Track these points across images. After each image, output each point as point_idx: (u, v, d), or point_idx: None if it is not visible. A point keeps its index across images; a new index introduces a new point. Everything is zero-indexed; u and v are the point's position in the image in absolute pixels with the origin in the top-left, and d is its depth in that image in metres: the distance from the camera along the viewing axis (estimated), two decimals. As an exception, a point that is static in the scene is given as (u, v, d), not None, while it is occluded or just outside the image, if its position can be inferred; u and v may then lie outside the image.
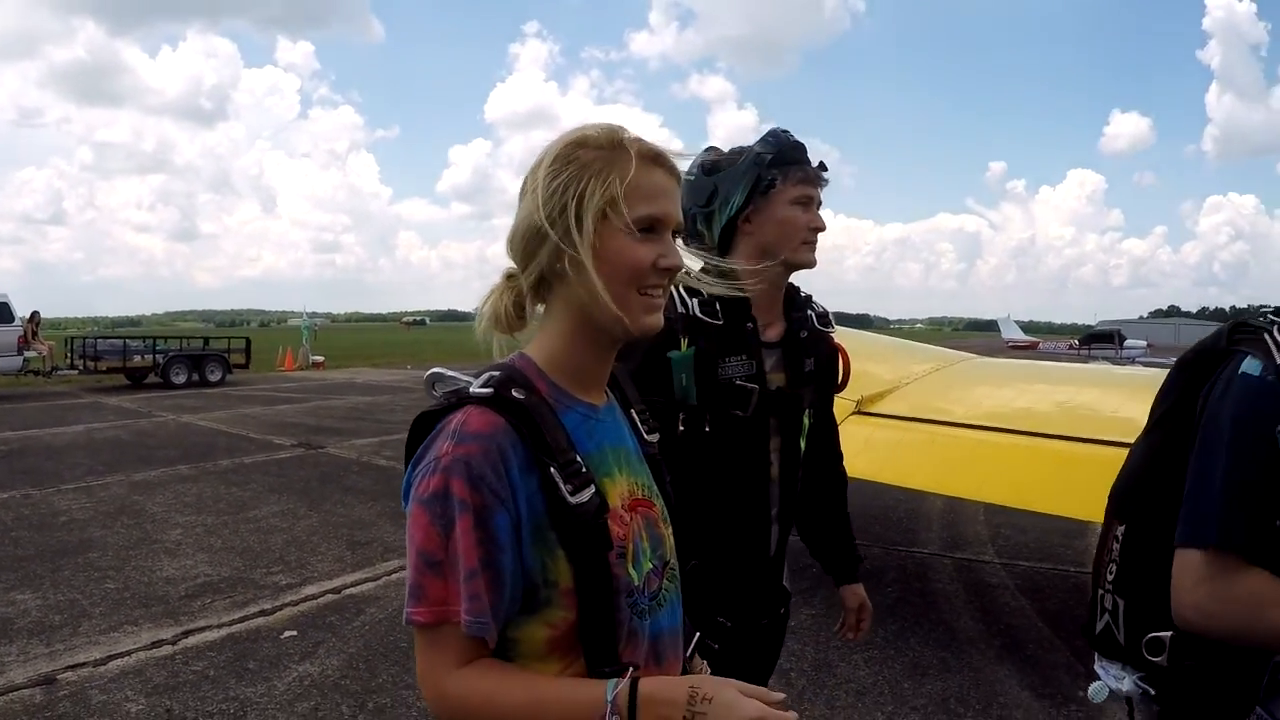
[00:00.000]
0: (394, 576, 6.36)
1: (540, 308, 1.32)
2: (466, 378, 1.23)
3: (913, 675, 4.76)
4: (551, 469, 1.15)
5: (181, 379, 22.03)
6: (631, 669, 1.19)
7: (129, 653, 4.90)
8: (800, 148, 2.16)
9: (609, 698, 1.11)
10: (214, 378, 22.83)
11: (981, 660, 4.96)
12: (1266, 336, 1.44)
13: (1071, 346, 51.65)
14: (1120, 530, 1.62)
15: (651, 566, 1.28)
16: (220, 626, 5.32)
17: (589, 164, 1.21)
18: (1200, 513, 1.41)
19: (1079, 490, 4.31)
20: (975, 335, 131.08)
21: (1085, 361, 27.41)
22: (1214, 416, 1.43)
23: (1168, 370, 1.67)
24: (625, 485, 1.29)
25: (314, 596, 5.92)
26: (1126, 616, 1.60)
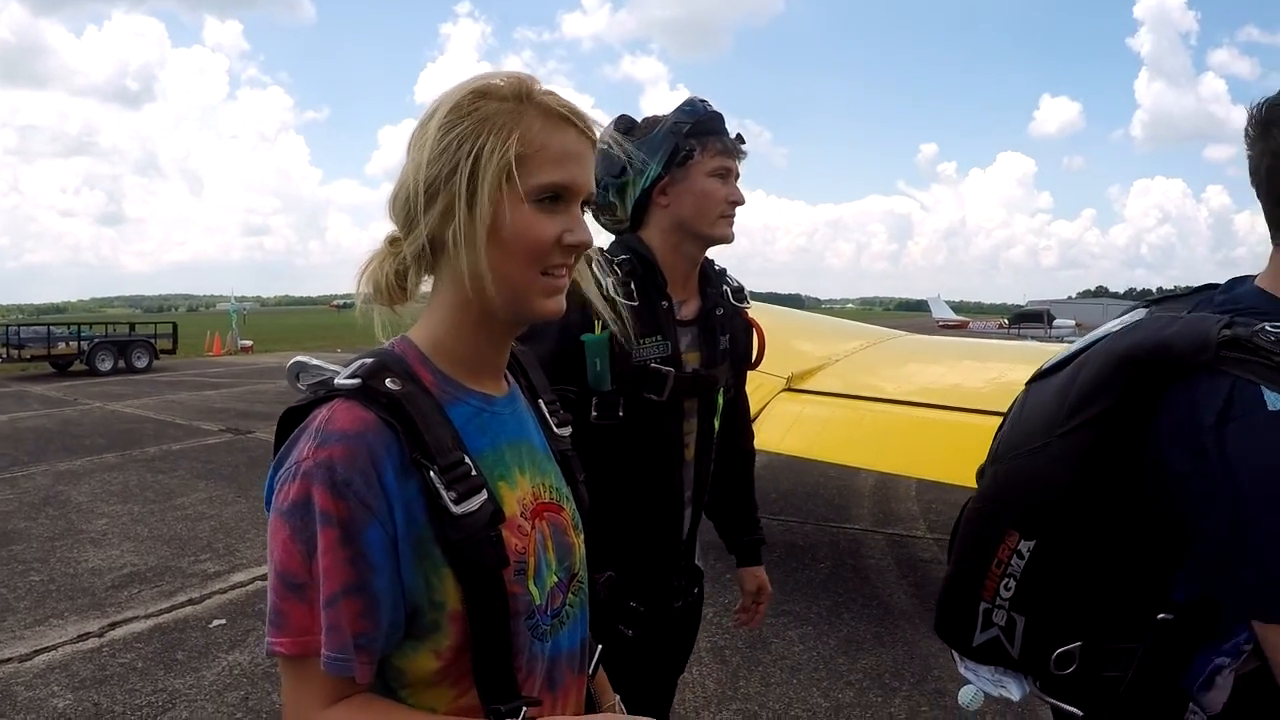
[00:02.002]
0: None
1: (426, 281, 1.15)
2: (334, 367, 1.06)
3: (847, 650, 4.81)
4: (430, 473, 0.99)
5: (107, 366, 21.57)
6: (525, 709, 1.06)
7: (55, 647, 4.79)
8: (718, 118, 2.10)
9: None
10: (140, 364, 22.35)
11: (915, 635, 5.02)
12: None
13: (1001, 326, 52.57)
14: (1027, 546, 1.42)
15: (556, 581, 1.15)
16: (148, 617, 5.21)
17: (489, 117, 1.03)
18: None
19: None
20: (906, 315, 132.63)
21: (1015, 340, 27.89)
22: (1270, 468, 1.20)
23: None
24: (527, 488, 1.14)
25: (243, 584, 5.82)
26: (1028, 633, 1.45)
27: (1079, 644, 1.42)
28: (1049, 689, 1.48)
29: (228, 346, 30.77)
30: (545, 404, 1.30)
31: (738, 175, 2.13)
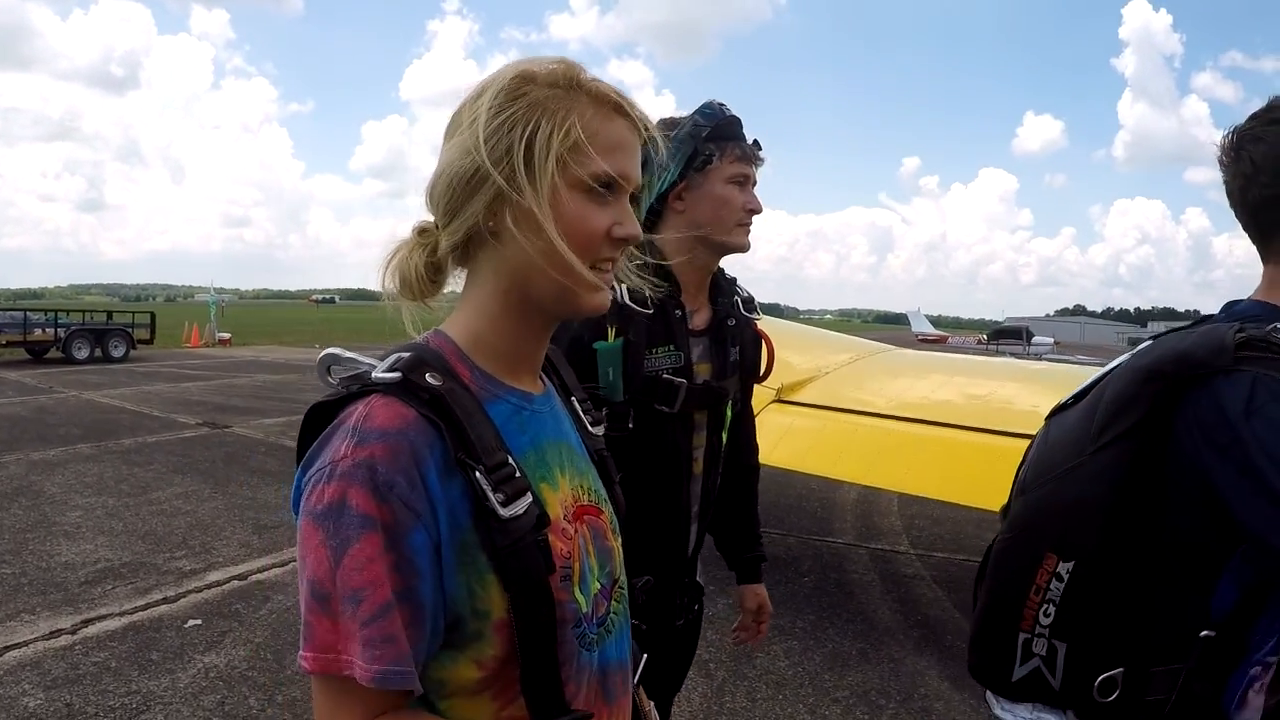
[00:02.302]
0: (304, 562, 6.17)
1: (457, 274, 1.10)
2: (369, 360, 1.01)
3: (833, 667, 4.76)
4: (476, 473, 0.93)
5: (84, 354, 21.38)
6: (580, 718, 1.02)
7: (26, 643, 4.67)
8: (737, 122, 2.05)
9: None
10: (117, 353, 22.15)
11: (901, 651, 4.99)
12: None
13: (980, 341, 52.86)
14: (1066, 568, 1.43)
15: (600, 587, 1.09)
16: (121, 615, 5.10)
17: (541, 102, 0.99)
18: None
19: (1008, 484, 4.34)
20: (885, 328, 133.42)
21: (993, 357, 28.09)
22: None
23: (1091, 367, 1.56)
24: (569, 490, 1.08)
25: (219, 583, 5.72)
26: (1069, 661, 1.45)
27: (1120, 669, 1.41)
28: (1086, 718, 1.47)
29: (205, 338, 30.54)
30: (578, 402, 1.25)
31: (755, 182, 2.09)
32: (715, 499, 2.19)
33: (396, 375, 0.96)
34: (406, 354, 0.99)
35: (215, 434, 11.59)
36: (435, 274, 1.07)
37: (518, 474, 0.98)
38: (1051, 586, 1.44)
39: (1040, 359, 33.12)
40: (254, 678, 4.34)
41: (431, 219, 1.07)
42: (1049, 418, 1.66)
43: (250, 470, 9.24)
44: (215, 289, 37.70)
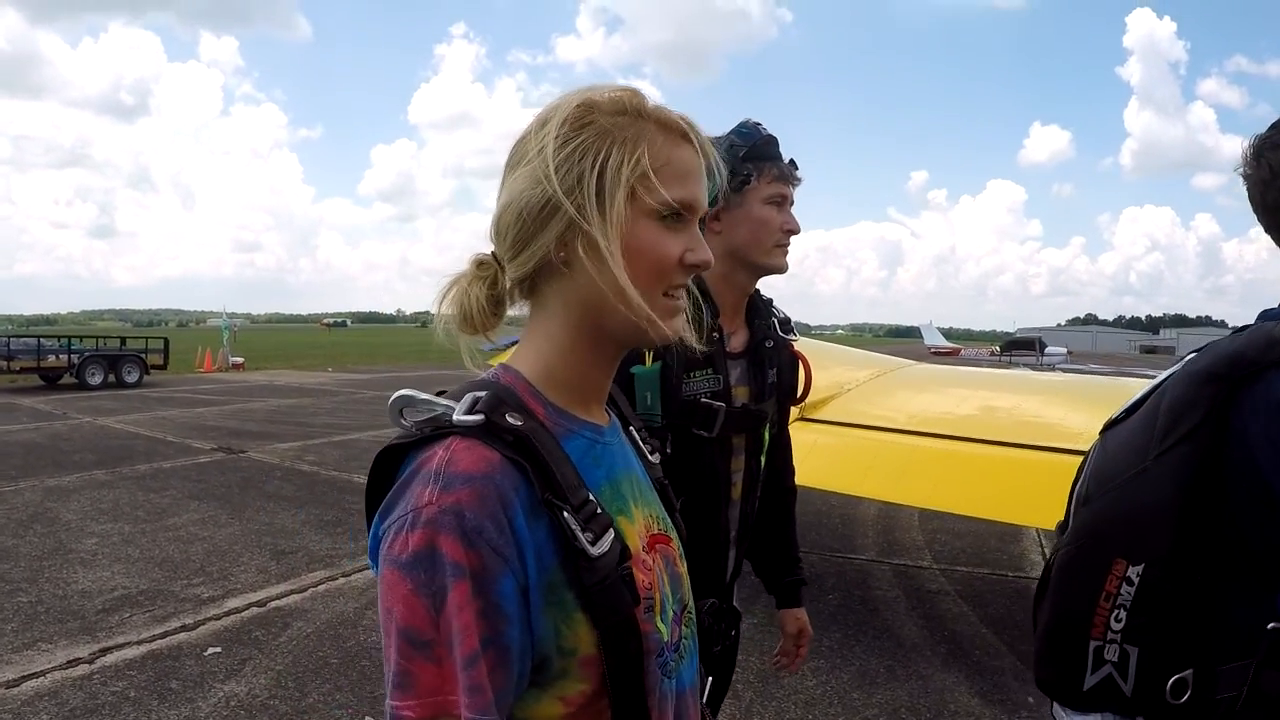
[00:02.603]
0: (321, 589, 6.15)
1: (517, 306, 1.09)
2: (445, 402, 0.97)
3: (861, 685, 4.69)
4: (565, 514, 0.92)
5: (97, 380, 21.40)
6: None
7: (43, 673, 4.62)
8: (774, 142, 2.04)
9: None
10: (131, 379, 22.18)
11: (929, 668, 4.92)
12: None
13: (993, 353, 52.68)
14: (1135, 571, 1.46)
15: (673, 614, 1.08)
16: (140, 643, 5.05)
17: (609, 130, 0.99)
18: None
19: (1033, 498, 4.29)
20: (897, 341, 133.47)
21: (1007, 368, 27.96)
22: None
23: (1131, 379, 1.57)
24: (642, 521, 1.08)
25: (238, 610, 5.67)
26: (1141, 665, 1.46)
27: (1190, 670, 1.43)
28: None
29: (219, 363, 30.60)
30: (636, 432, 1.23)
31: (793, 202, 2.05)
32: (754, 523, 2.15)
33: (480, 418, 0.94)
34: (482, 393, 0.97)
35: (231, 459, 11.56)
36: (495, 306, 1.06)
37: (599, 510, 0.97)
38: (1122, 591, 1.47)
39: (1054, 369, 33.01)
40: (276, 706, 4.29)
41: (489, 251, 1.07)
42: (1103, 431, 1.69)
43: (266, 495, 9.20)
44: (228, 313, 37.83)
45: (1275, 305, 1.53)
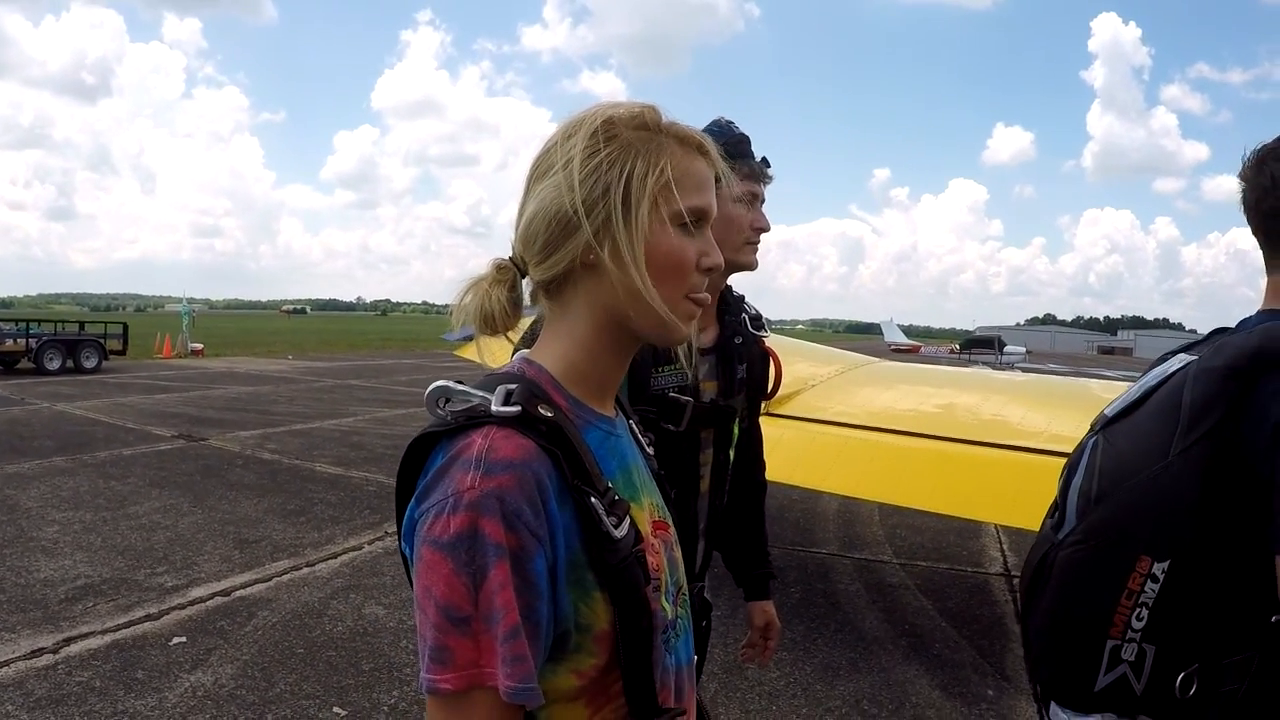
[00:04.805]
0: (285, 578, 6.13)
1: (535, 305, 1.17)
2: (481, 394, 1.03)
3: (824, 677, 4.77)
4: (591, 499, 1.00)
5: (56, 365, 21.05)
6: (676, 716, 1.11)
7: (7, 663, 4.58)
8: (746, 140, 2.07)
9: None
10: (90, 364, 21.82)
11: (890, 660, 5.01)
12: None
13: (952, 351, 53.05)
14: (1161, 568, 1.46)
15: (672, 594, 1.17)
16: (104, 633, 5.02)
17: (633, 144, 1.06)
18: None
19: (993, 495, 4.38)
20: (857, 338, 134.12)
21: (966, 366, 28.22)
22: None
23: (1115, 379, 1.60)
24: (648, 508, 1.16)
25: (202, 599, 5.64)
26: (1156, 664, 1.47)
27: (1196, 665, 1.46)
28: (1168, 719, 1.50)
29: (178, 349, 30.19)
30: (635, 424, 1.30)
31: (763, 200, 2.09)
32: (722, 515, 2.19)
33: (518, 409, 1.00)
34: (513, 386, 1.03)
35: (192, 446, 11.45)
36: (514, 308, 1.13)
37: (618, 497, 1.05)
38: (1146, 589, 1.47)
39: (1013, 368, 33.36)
40: (243, 696, 4.29)
41: (509, 255, 1.14)
42: (1101, 429, 1.70)
43: (229, 484, 9.14)
44: (187, 299, 37.35)
45: (1257, 307, 1.60)
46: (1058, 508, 1.71)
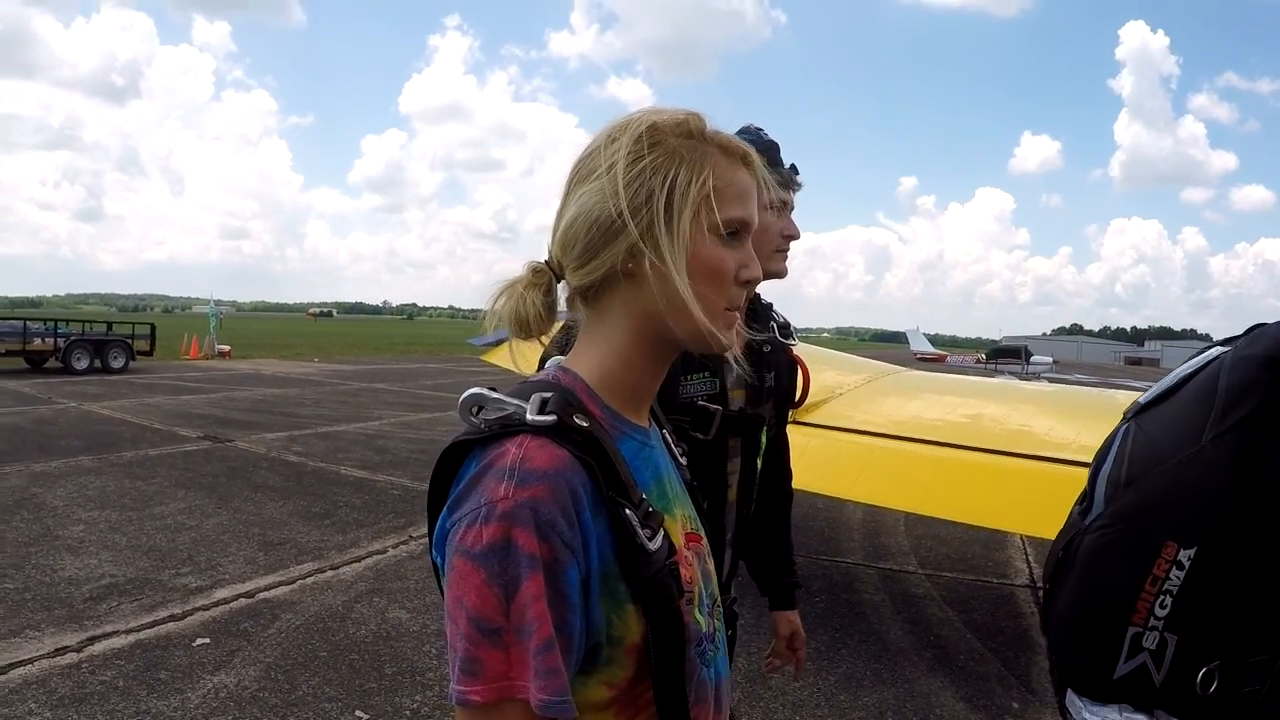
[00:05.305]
0: (309, 581, 6.14)
1: (571, 311, 1.15)
2: (516, 402, 1.01)
3: (848, 688, 4.73)
4: (626, 511, 0.98)
5: (83, 364, 21.27)
6: None
7: (31, 661, 4.60)
8: (775, 148, 2.05)
9: None
10: (117, 364, 22.05)
11: (915, 672, 4.97)
12: None
13: (979, 360, 52.80)
14: (1187, 555, 1.43)
15: (707, 607, 1.14)
16: (128, 632, 5.04)
17: (676, 151, 1.04)
18: None
19: (1020, 505, 4.33)
20: (882, 346, 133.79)
21: (992, 376, 28.04)
22: None
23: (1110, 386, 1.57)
24: (680, 520, 1.14)
25: (226, 600, 5.66)
26: (1177, 655, 1.44)
27: (1218, 662, 1.42)
28: (1186, 716, 1.46)
29: (205, 350, 30.45)
30: (668, 434, 1.28)
31: (793, 208, 2.07)
32: (749, 525, 2.17)
33: (552, 418, 0.99)
34: (549, 394, 1.02)
35: (218, 448, 11.52)
36: (549, 313, 1.11)
37: (652, 508, 1.04)
38: (1171, 576, 1.44)
39: (1039, 378, 33.14)
40: (265, 699, 4.29)
41: (544, 259, 1.12)
42: (1134, 416, 1.65)
43: (254, 486, 9.18)
44: (214, 300, 37.65)
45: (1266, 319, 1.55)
46: (1086, 495, 1.67)
